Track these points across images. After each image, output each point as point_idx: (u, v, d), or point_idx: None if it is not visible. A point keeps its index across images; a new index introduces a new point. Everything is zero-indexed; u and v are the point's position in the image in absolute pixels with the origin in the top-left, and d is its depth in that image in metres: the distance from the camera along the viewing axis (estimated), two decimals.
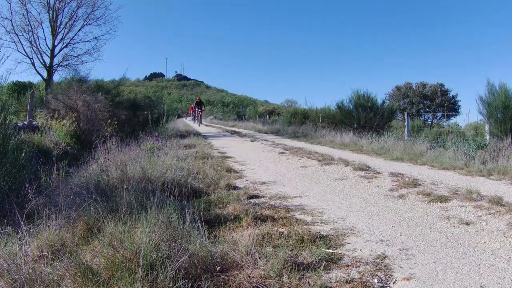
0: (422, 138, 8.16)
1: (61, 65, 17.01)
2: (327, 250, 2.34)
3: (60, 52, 17.04)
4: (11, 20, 15.70)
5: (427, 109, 25.26)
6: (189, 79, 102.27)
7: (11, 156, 3.61)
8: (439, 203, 3.53)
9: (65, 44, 17.01)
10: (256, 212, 3.19)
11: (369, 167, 5.61)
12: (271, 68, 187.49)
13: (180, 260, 1.89)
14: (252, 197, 3.89)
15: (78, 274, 1.83)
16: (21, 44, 16.00)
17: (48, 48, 16.71)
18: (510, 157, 5.40)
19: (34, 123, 7.92)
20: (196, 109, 21.86)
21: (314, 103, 40.97)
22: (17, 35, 15.84)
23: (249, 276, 1.94)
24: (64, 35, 16.89)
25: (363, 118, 11.73)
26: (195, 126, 22.01)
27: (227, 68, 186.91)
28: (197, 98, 22.24)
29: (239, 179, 4.90)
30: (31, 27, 16.08)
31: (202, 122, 23.29)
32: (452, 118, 23.76)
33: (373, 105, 11.98)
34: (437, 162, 5.96)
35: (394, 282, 1.95)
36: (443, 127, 18.38)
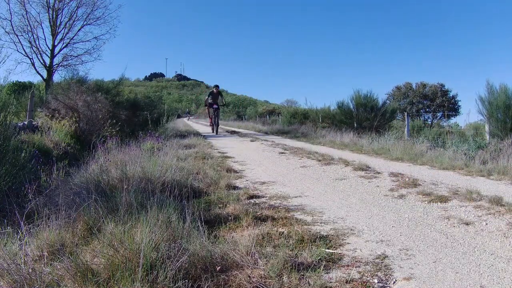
0: (422, 138, 8.16)
1: (61, 65, 17.04)
2: (327, 250, 2.34)
3: (60, 52, 17.06)
4: (10, 21, 15.72)
5: (427, 109, 25.28)
6: (189, 79, 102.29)
7: (11, 156, 3.61)
8: (439, 203, 3.53)
9: (65, 44, 17.04)
10: (256, 212, 3.19)
11: (369, 167, 5.61)
12: (271, 68, 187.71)
13: (180, 260, 1.89)
14: (252, 197, 3.89)
15: (78, 274, 1.83)
16: (21, 44, 16.03)
17: (48, 48, 16.73)
18: (510, 157, 5.39)
19: (34, 123, 7.92)
20: (211, 108, 14.06)
21: (314, 103, 41.13)
22: (17, 35, 15.86)
23: (249, 276, 1.94)
24: (64, 35, 16.92)
25: (364, 118, 11.72)
26: (206, 130, 15.94)
27: (227, 68, 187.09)
28: (215, 88, 14.05)
29: (239, 179, 4.89)
30: (31, 27, 16.10)
31: (219, 125, 14.96)
32: (452, 118, 23.81)
33: (374, 105, 11.97)
34: (437, 162, 5.96)
35: (394, 282, 1.95)
36: (443, 127, 18.38)
